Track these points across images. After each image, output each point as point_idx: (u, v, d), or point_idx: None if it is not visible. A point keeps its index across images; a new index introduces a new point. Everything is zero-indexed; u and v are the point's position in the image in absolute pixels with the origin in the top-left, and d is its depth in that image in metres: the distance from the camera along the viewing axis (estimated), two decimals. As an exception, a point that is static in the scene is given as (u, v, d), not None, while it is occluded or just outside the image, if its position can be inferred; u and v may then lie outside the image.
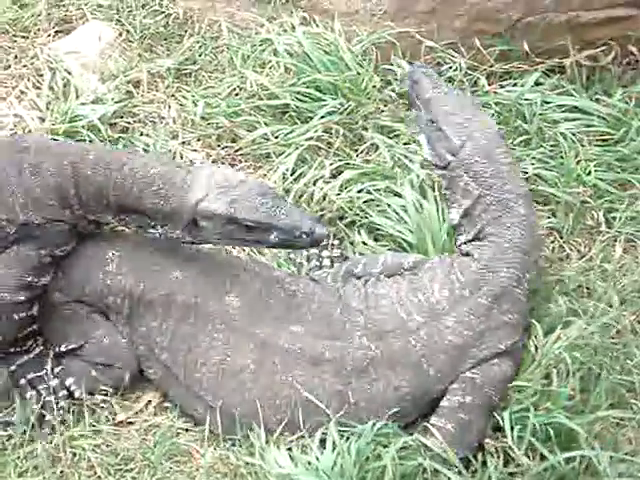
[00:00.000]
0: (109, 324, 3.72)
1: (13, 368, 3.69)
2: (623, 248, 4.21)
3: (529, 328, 3.74)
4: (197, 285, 3.65)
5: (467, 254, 3.84)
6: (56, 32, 5.01)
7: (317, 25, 4.80)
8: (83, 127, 4.44)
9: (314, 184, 4.32)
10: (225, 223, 3.53)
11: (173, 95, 4.79)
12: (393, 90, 4.68)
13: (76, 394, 3.69)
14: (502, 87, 4.70)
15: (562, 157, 4.46)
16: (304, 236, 3.54)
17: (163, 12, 5.06)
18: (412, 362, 3.59)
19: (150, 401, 3.79)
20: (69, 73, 4.69)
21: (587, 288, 4.00)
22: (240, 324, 3.60)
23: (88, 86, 4.68)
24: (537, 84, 4.73)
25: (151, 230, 3.65)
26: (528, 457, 3.40)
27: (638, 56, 4.87)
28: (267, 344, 3.58)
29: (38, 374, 3.70)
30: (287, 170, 4.37)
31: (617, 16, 4.78)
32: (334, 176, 4.35)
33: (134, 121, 4.63)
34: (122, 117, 4.62)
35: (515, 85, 4.69)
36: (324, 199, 4.29)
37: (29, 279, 3.58)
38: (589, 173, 4.36)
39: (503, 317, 3.67)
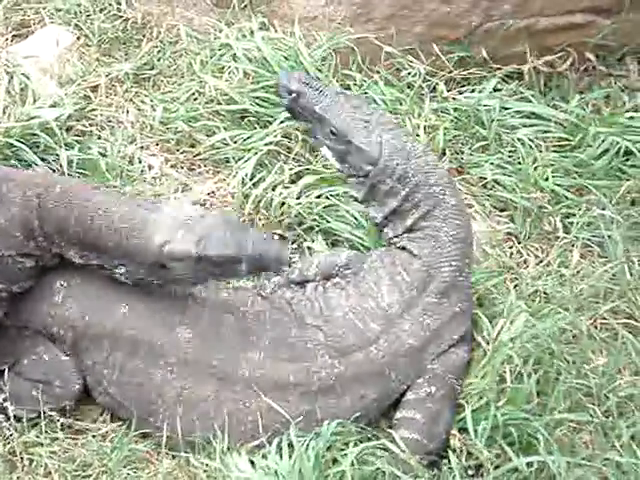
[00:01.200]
0: (51, 343, 3.64)
1: None
2: (580, 253, 4.23)
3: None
4: (145, 319, 3.59)
5: (403, 248, 3.85)
6: (13, 36, 4.96)
7: (276, 30, 4.78)
8: (38, 129, 4.36)
9: (273, 189, 4.30)
10: (195, 262, 3.49)
11: (131, 99, 4.76)
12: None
13: (11, 414, 3.59)
14: (460, 93, 4.73)
15: (520, 163, 4.50)
16: (273, 262, 3.56)
17: (121, 16, 5.02)
18: (376, 371, 3.63)
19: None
20: (27, 77, 4.64)
21: (544, 293, 4.01)
22: (194, 356, 3.56)
23: (46, 90, 4.63)
24: (495, 90, 4.76)
25: (116, 270, 3.59)
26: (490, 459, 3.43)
27: (595, 62, 4.92)
28: (226, 374, 3.55)
29: None
30: (246, 175, 4.35)
31: (575, 23, 4.82)
32: (293, 181, 4.34)
33: (91, 125, 4.59)
34: (79, 121, 4.58)
35: (473, 91, 4.72)
36: (283, 204, 4.27)
37: None
38: (547, 179, 4.39)
39: (454, 308, 3.76)
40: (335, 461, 3.43)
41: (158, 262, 3.50)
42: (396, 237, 3.88)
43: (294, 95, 3.90)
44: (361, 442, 3.51)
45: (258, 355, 3.59)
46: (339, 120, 3.85)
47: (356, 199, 3.96)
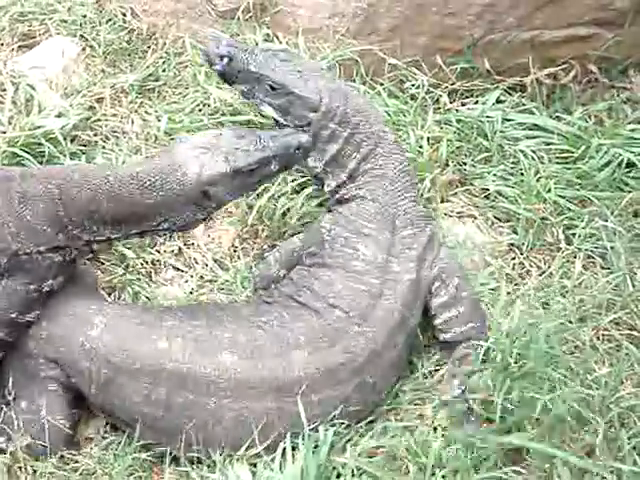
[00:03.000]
0: (59, 400, 3.59)
1: None
2: (583, 264, 4.24)
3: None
4: (187, 350, 3.55)
5: (352, 198, 3.99)
6: (19, 47, 4.98)
7: (280, 42, 4.80)
8: (43, 138, 4.38)
9: (277, 200, 4.32)
10: (231, 179, 3.60)
11: (136, 110, 4.77)
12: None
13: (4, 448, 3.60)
14: (464, 105, 4.74)
15: (522, 174, 4.50)
16: (298, 151, 3.73)
17: (127, 28, 5.05)
18: (398, 318, 3.78)
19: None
20: (32, 88, 4.66)
21: (546, 304, 4.02)
22: (244, 375, 3.54)
23: (51, 101, 4.65)
24: (498, 102, 4.77)
25: (159, 228, 3.65)
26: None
27: (598, 75, 4.92)
28: (281, 382, 3.57)
29: None
30: (250, 186, 4.37)
31: (578, 35, 4.83)
32: (297, 192, 4.35)
33: (96, 135, 4.61)
34: (84, 131, 4.59)
35: (477, 103, 4.73)
36: (285, 215, 4.30)
37: (13, 315, 3.54)
38: (549, 190, 4.39)
39: (426, 232, 3.99)
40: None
41: (199, 194, 3.58)
42: (339, 187, 4.02)
43: (226, 59, 3.99)
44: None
45: (301, 353, 3.62)
46: (275, 74, 3.99)
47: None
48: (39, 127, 4.44)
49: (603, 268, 4.23)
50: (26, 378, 3.60)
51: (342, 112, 3.96)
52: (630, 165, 4.48)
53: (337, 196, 4.06)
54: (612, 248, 4.21)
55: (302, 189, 4.34)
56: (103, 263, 4.16)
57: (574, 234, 4.33)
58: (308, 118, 3.97)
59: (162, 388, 3.51)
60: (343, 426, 3.58)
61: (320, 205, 4.31)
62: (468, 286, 4.00)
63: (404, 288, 3.83)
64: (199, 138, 3.69)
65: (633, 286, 4.04)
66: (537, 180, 4.43)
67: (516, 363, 3.56)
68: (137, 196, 3.55)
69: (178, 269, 4.27)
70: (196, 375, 3.51)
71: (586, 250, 4.28)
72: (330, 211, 4.10)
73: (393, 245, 3.90)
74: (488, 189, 4.46)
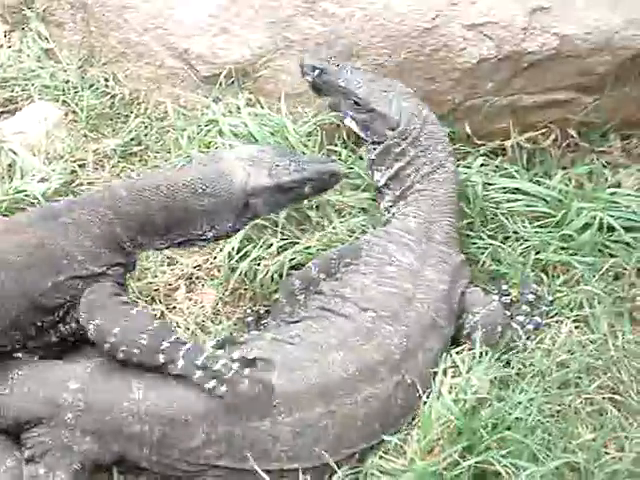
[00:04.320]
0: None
1: None
2: (569, 329, 4.22)
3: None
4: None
5: (399, 215, 4.19)
6: (1, 112, 5.01)
7: (262, 106, 4.84)
8: (25, 203, 4.40)
9: (258, 263, 4.32)
10: (272, 193, 3.73)
11: (118, 174, 4.80)
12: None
13: None
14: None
15: (506, 238, 4.53)
16: (332, 178, 3.87)
17: (109, 93, 5.09)
18: (429, 323, 3.88)
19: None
20: (14, 153, 4.68)
21: (531, 364, 4.00)
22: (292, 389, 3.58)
23: (34, 166, 4.67)
24: (480, 165, 4.79)
25: (202, 237, 3.75)
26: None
27: (578, 139, 4.95)
28: (324, 386, 3.61)
29: None
30: (233, 249, 4.37)
31: (557, 100, 4.86)
32: (279, 253, 4.35)
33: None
34: (66, 195, 4.58)
35: (458, 166, 4.74)
36: (265, 276, 4.31)
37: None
38: (538, 252, 4.45)
39: (460, 256, 4.18)
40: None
41: (242, 203, 3.70)
42: (392, 206, 4.23)
43: (318, 71, 4.31)
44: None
45: (336, 355, 3.66)
46: (361, 91, 4.30)
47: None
48: (21, 191, 4.45)
49: (587, 333, 4.21)
50: (55, 448, 3.53)
51: (416, 133, 4.21)
52: (610, 229, 4.49)
53: (388, 215, 4.26)
54: (592, 314, 4.20)
55: (284, 250, 4.34)
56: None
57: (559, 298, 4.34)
58: (385, 136, 4.25)
59: (219, 426, 3.52)
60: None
61: (302, 265, 4.30)
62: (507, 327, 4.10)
63: (437, 295, 3.94)
64: (245, 149, 3.84)
65: (615, 350, 4.03)
66: (519, 244, 4.46)
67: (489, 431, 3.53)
68: (190, 203, 3.65)
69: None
70: (246, 402, 3.51)
71: (569, 314, 4.27)
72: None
73: (429, 255, 4.06)
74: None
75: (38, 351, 3.71)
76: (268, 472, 3.51)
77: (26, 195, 4.44)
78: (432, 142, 4.26)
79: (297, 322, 3.92)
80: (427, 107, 4.36)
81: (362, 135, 4.37)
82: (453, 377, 3.71)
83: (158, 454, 3.54)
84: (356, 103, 4.31)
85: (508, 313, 4.19)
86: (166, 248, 3.82)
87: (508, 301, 4.29)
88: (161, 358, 3.48)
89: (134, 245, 3.69)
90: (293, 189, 3.78)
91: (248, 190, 3.69)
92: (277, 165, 3.75)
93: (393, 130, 4.23)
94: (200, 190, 3.66)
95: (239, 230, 3.89)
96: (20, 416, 3.52)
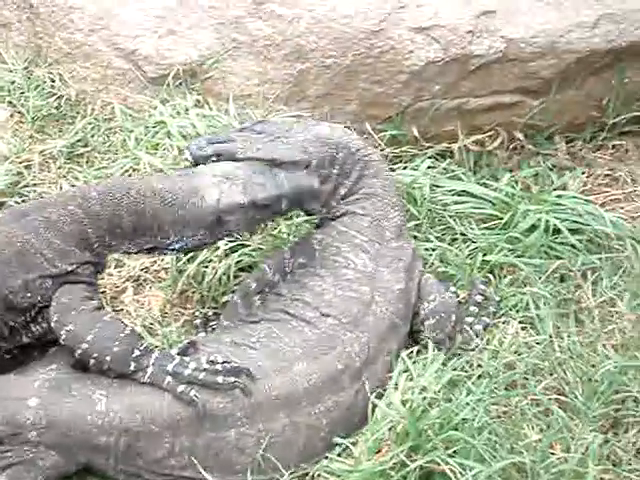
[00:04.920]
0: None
1: None
2: (515, 330, 4.25)
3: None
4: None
5: (344, 214, 4.14)
6: (-54, 114, 4.96)
7: (211, 108, 4.82)
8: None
9: (206, 266, 4.31)
10: (246, 210, 3.73)
11: (64, 176, 4.75)
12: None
13: None
14: (393, 170, 4.75)
15: (454, 240, 4.56)
16: (308, 195, 3.92)
17: (55, 94, 5.04)
18: (388, 325, 3.91)
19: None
20: (-41, 154, 4.64)
21: (479, 365, 4.02)
22: (256, 399, 3.56)
23: (-22, 167, 4.62)
24: (428, 167, 4.81)
25: (169, 247, 3.76)
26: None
27: (524, 141, 4.99)
28: (288, 398, 3.61)
29: None
30: (181, 251, 4.35)
31: (503, 103, 4.90)
32: (226, 255, 4.34)
33: (24, 201, 4.54)
34: (12, 197, 4.56)
35: (405, 168, 4.77)
36: (213, 278, 4.29)
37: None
38: (485, 254, 4.47)
39: (410, 244, 4.19)
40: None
41: (213, 220, 3.70)
42: (332, 209, 4.17)
43: (214, 158, 4.02)
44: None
45: (301, 365, 3.66)
46: (260, 154, 4.02)
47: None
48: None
49: (534, 334, 4.24)
50: (19, 463, 3.50)
51: (330, 156, 4.10)
52: (556, 231, 4.52)
53: (329, 215, 4.20)
54: (538, 315, 4.24)
55: (233, 252, 4.34)
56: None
57: (505, 298, 4.37)
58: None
59: (183, 436, 3.51)
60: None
61: (250, 267, 4.31)
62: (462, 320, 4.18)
63: (394, 296, 3.95)
64: (221, 166, 3.83)
65: (561, 351, 4.06)
66: (467, 246, 4.49)
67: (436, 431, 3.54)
68: (158, 211, 3.66)
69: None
70: (212, 413, 3.51)
71: (515, 315, 4.29)
72: (318, 226, 4.24)
73: (383, 256, 4.05)
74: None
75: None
76: None
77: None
78: (346, 151, 4.14)
79: (256, 323, 3.91)
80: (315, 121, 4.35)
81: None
82: (406, 380, 3.73)
83: (124, 463, 3.53)
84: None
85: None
86: (136, 253, 3.82)
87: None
88: (132, 366, 3.51)
89: (103, 246, 3.69)
90: (269, 206, 3.78)
91: (220, 207, 3.69)
92: (253, 182, 3.75)
93: (308, 167, 4.07)
94: (169, 200, 3.66)
95: (213, 244, 3.94)
96: None
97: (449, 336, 4.07)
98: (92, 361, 3.53)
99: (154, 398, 3.52)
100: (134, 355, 3.51)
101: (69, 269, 3.60)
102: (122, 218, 3.65)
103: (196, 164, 4.03)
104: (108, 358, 3.50)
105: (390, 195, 4.19)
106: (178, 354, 3.60)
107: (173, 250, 3.80)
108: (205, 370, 3.52)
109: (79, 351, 3.52)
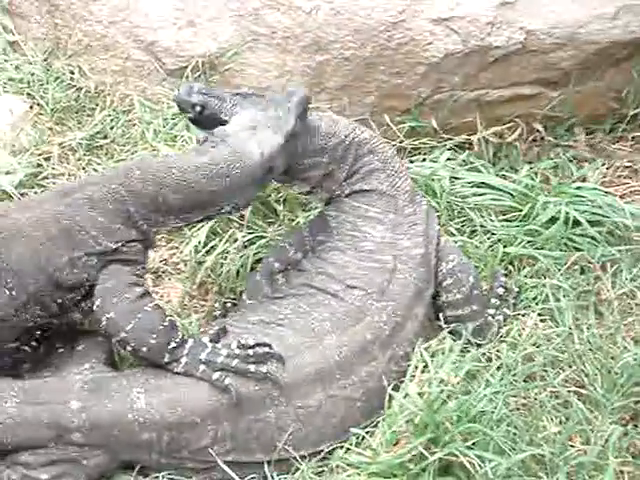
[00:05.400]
0: None
1: None
2: (535, 322, 4.24)
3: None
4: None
5: (352, 192, 4.14)
6: (-34, 106, 4.97)
7: (230, 100, 4.82)
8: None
9: (225, 257, 4.31)
10: (285, 146, 3.83)
11: (84, 168, 4.76)
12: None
13: None
14: (412, 162, 4.76)
15: (473, 232, 4.55)
16: (305, 101, 3.97)
17: (75, 86, 5.05)
18: (414, 291, 3.95)
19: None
20: (-21, 146, 4.65)
21: (498, 357, 4.01)
22: (290, 379, 3.60)
23: (-1, 159, 4.64)
24: (447, 159, 4.80)
25: (221, 211, 3.80)
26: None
27: (543, 133, 4.98)
28: (322, 372, 3.66)
29: None
30: (199, 243, 4.37)
31: (523, 94, 4.89)
32: (245, 247, 4.36)
33: (43, 192, 4.56)
34: (32, 188, 4.57)
35: (424, 160, 4.76)
36: (231, 270, 4.31)
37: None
38: (505, 246, 4.47)
39: (423, 207, 4.17)
40: None
41: (264, 171, 3.78)
42: (337, 190, 4.17)
43: (199, 108, 4.04)
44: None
45: (330, 338, 3.71)
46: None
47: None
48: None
49: (553, 326, 4.23)
50: (63, 461, 3.54)
51: (316, 144, 4.08)
52: (576, 223, 4.51)
53: (334, 195, 4.18)
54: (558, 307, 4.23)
55: (251, 244, 4.35)
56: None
57: (526, 290, 4.37)
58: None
59: (225, 423, 3.54)
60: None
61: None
62: (479, 284, 4.19)
63: (416, 262, 3.98)
64: (235, 123, 3.85)
65: (580, 343, 4.05)
66: (487, 238, 4.49)
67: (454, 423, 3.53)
68: (204, 185, 3.67)
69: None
70: (249, 396, 3.54)
71: (535, 307, 4.28)
72: (328, 203, 4.23)
73: (399, 223, 4.07)
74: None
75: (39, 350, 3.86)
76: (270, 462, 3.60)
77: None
78: (334, 138, 4.11)
79: (281, 299, 3.95)
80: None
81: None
82: (422, 372, 3.73)
83: (168, 457, 3.57)
84: None
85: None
86: (185, 226, 3.92)
87: None
88: (166, 357, 3.56)
89: (148, 224, 3.72)
90: (295, 133, 3.88)
91: (266, 157, 3.75)
92: (270, 118, 3.82)
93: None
94: (214, 173, 3.68)
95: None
96: (22, 442, 3.50)
97: (471, 314, 4.12)
98: (129, 348, 3.58)
99: (191, 389, 3.55)
100: (170, 347, 3.55)
101: (114, 247, 3.63)
102: (167, 196, 3.66)
103: (180, 108, 4.11)
104: (145, 349, 3.54)
105: (392, 165, 4.17)
106: (210, 341, 3.63)
107: (224, 214, 3.86)
108: (237, 356, 3.56)
109: (117, 338, 3.57)
